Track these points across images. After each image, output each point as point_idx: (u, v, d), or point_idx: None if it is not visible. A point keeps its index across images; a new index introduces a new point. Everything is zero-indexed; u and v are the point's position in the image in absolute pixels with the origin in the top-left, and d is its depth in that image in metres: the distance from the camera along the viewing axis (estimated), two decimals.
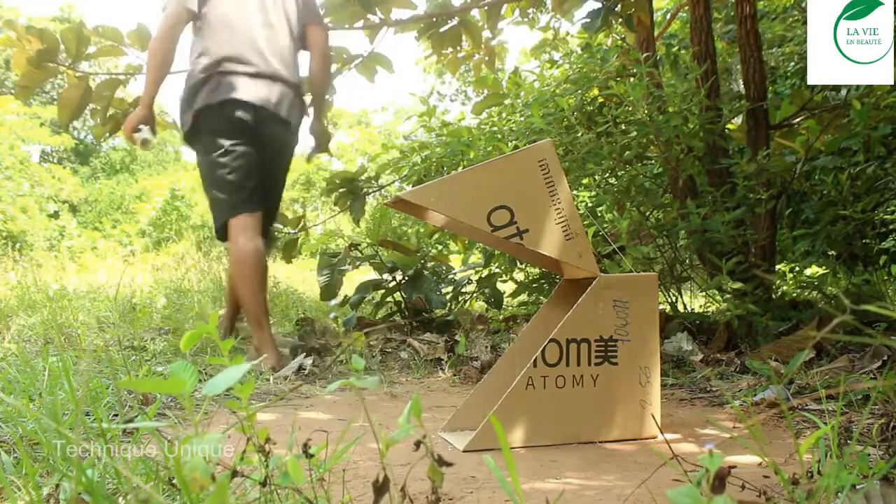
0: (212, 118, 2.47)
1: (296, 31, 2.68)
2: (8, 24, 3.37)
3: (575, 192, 3.60)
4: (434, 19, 3.74)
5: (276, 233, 3.49)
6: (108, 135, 3.68)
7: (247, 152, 2.48)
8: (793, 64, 4.05)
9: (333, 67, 3.70)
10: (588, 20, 3.28)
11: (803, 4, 4.13)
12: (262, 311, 2.45)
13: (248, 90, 2.47)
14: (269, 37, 2.56)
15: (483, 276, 3.98)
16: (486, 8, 3.87)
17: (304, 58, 2.80)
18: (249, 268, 2.42)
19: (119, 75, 3.66)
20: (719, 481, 0.64)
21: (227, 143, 2.46)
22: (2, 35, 3.34)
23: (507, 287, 4.20)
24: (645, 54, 3.00)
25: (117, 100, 3.59)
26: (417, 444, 0.73)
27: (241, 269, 2.43)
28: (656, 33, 3.90)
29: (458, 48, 3.97)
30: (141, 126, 2.50)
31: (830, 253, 3.59)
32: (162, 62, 2.48)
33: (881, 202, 3.23)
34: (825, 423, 1.13)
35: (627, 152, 2.93)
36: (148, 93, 2.50)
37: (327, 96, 3.05)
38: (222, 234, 2.50)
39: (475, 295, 4.07)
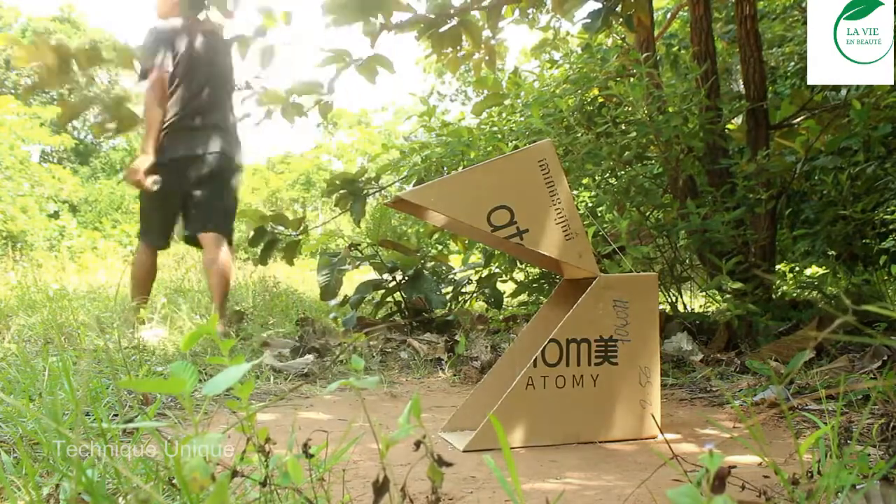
0: (166, 170, 3.08)
1: (232, 85, 3.40)
2: (36, 36, 3.46)
3: (575, 192, 3.60)
4: (434, 17, 3.73)
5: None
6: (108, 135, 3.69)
7: (167, 199, 3.15)
8: (793, 64, 4.05)
9: (334, 68, 3.78)
10: (588, 20, 3.28)
11: (803, 4, 4.13)
12: (139, 294, 3.18)
13: (193, 144, 3.13)
14: (211, 94, 3.20)
15: (483, 276, 3.98)
16: (485, 9, 3.86)
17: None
18: (136, 273, 3.22)
19: (127, 87, 3.66)
20: (719, 481, 0.64)
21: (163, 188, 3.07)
22: (1, 34, 3.37)
23: (507, 287, 4.20)
24: (645, 54, 3.00)
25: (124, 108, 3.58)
26: (417, 444, 0.73)
27: (134, 272, 3.25)
28: (656, 33, 3.90)
29: (458, 48, 3.96)
30: (151, 177, 3.04)
31: (830, 253, 3.59)
32: (157, 125, 3.07)
33: (881, 202, 3.23)
34: (825, 423, 1.13)
35: (627, 152, 2.93)
36: (149, 147, 3.05)
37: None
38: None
39: (475, 295, 4.07)
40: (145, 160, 3.02)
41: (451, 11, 3.71)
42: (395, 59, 3.81)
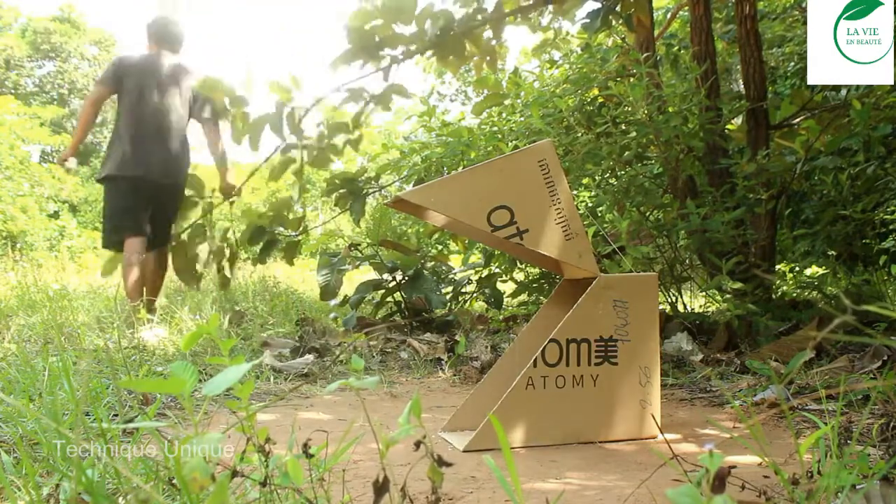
0: (114, 180, 3.58)
1: (180, 105, 3.69)
2: None
3: (575, 192, 3.61)
4: (438, 33, 3.71)
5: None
6: None
7: (130, 200, 3.57)
8: (793, 64, 4.05)
9: (356, 106, 3.85)
10: (588, 20, 3.28)
11: (803, 4, 4.13)
12: (134, 296, 3.38)
13: (134, 162, 3.53)
14: (160, 117, 3.61)
15: (483, 276, 3.98)
16: (489, 20, 3.85)
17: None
18: (126, 276, 3.49)
19: None
20: (719, 481, 0.64)
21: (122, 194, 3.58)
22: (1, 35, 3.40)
23: (507, 287, 4.20)
24: (645, 54, 3.00)
25: None
26: (417, 445, 0.73)
27: (124, 276, 3.52)
28: (656, 33, 3.89)
29: (464, 56, 3.95)
30: (70, 159, 3.70)
31: (830, 253, 3.59)
32: (87, 124, 3.70)
33: (881, 202, 3.23)
34: (825, 423, 1.13)
35: (627, 153, 2.93)
36: (76, 140, 3.73)
37: (227, 162, 3.90)
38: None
39: (475, 295, 4.07)
40: (70, 148, 3.74)
41: (454, 25, 3.70)
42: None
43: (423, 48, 3.67)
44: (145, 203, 3.57)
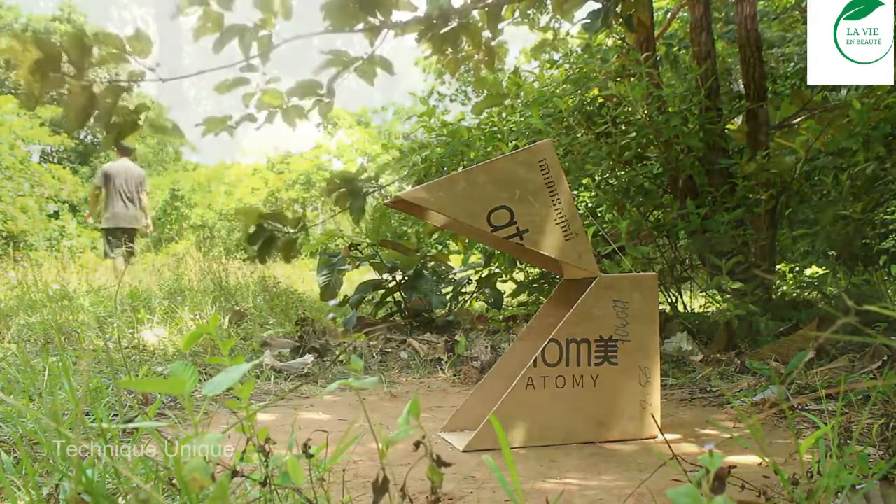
0: (105, 229, 7.21)
1: (136, 188, 7.10)
2: (12, 34, 3.32)
3: (575, 192, 3.60)
4: (434, 21, 3.70)
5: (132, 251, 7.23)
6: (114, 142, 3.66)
7: (111, 236, 7.16)
8: (793, 64, 4.05)
9: (334, 70, 3.78)
10: (588, 20, 3.28)
11: (803, 4, 4.13)
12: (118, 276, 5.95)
13: (119, 217, 7.02)
14: (126, 191, 7.03)
15: (483, 276, 3.98)
16: (485, 9, 3.85)
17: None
18: (114, 267, 6.90)
19: (121, 82, 3.62)
20: (719, 481, 0.64)
21: (107, 235, 7.19)
22: (2, 36, 3.33)
23: (507, 287, 4.20)
24: (645, 54, 3.00)
25: (121, 107, 3.54)
26: (417, 445, 0.73)
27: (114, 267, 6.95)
28: (656, 33, 3.89)
29: (459, 49, 3.94)
30: (90, 219, 7.78)
31: (830, 253, 3.58)
32: (93, 204, 7.18)
33: (881, 202, 3.23)
34: (825, 423, 1.13)
35: (627, 153, 2.93)
36: (90, 212, 7.46)
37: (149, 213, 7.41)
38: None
39: (475, 295, 4.07)
40: (89, 214, 7.47)
41: (452, 13, 3.68)
42: (395, 60, 3.79)
43: (417, 24, 3.62)
44: (120, 236, 6.97)
